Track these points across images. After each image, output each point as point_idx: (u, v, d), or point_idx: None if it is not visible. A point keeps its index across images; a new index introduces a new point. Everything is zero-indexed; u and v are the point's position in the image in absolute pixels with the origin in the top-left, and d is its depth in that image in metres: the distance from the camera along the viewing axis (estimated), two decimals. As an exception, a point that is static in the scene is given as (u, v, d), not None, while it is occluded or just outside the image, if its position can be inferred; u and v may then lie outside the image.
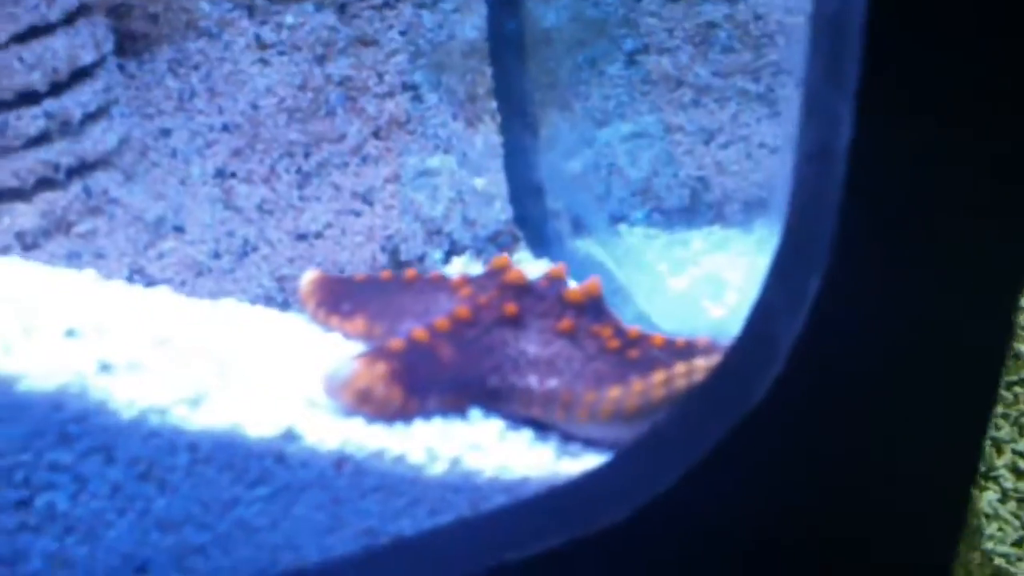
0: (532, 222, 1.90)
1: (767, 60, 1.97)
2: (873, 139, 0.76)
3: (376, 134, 1.77)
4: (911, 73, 0.74)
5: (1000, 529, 1.30)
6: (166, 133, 1.54)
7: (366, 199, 1.76)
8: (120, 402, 0.78)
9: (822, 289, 0.81)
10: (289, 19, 1.67)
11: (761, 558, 0.90)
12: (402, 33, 1.79)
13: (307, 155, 1.69)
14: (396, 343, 0.93)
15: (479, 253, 1.85)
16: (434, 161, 1.85)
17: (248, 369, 0.92)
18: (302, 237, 1.67)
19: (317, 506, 0.86)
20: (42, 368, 0.76)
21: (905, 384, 0.85)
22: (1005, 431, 1.45)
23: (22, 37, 1.34)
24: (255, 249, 1.61)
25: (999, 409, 1.49)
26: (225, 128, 1.61)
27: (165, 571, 0.82)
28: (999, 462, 1.40)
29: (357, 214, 1.75)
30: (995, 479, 1.38)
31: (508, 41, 1.90)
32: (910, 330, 0.83)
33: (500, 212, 1.89)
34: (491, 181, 1.89)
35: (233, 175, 1.61)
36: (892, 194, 0.77)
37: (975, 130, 0.77)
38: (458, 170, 1.87)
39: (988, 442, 1.42)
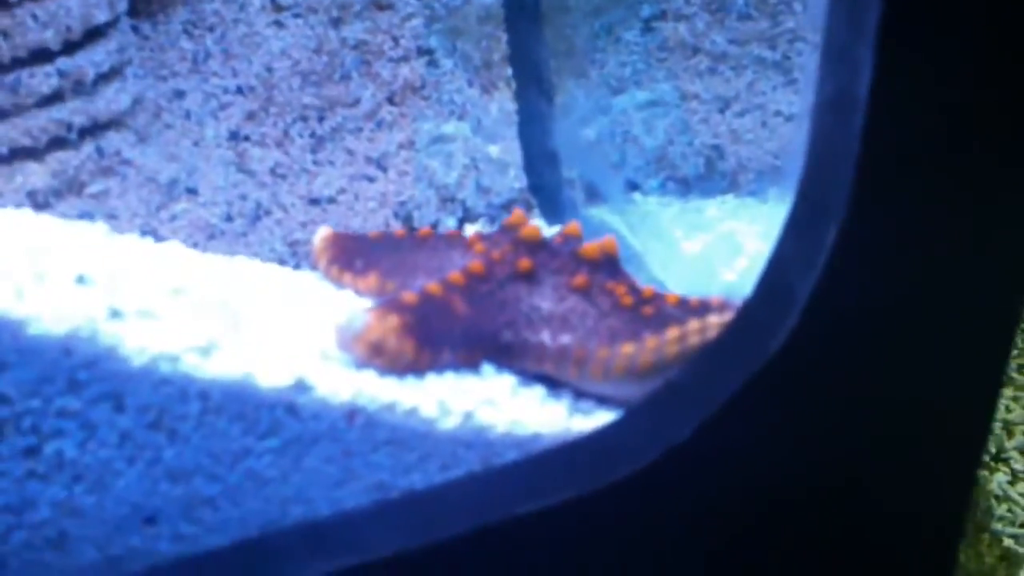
0: (546, 190, 1.89)
1: (784, 28, 1.95)
2: (892, 86, 0.75)
3: (391, 99, 1.76)
4: (932, 19, 0.73)
5: (1010, 510, 1.30)
6: (180, 95, 1.54)
7: (380, 165, 1.75)
8: (130, 349, 0.77)
9: (838, 241, 0.80)
10: (301, -19, 1.66)
11: (775, 508, 0.90)
12: (416, -3, 1.77)
13: (321, 119, 1.68)
14: (409, 296, 0.92)
15: (493, 221, 1.84)
16: (448, 128, 1.83)
17: (260, 321, 0.91)
18: (315, 202, 1.66)
19: (328, 459, 0.86)
20: (53, 313, 0.76)
21: (919, 336, 0.84)
22: (1016, 413, 1.44)
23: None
24: (268, 213, 1.60)
25: (1010, 392, 1.49)
26: (239, 91, 1.60)
27: (174, 522, 0.81)
28: (1009, 444, 1.40)
29: (371, 180, 1.74)
30: (1005, 461, 1.38)
31: (524, 7, 1.88)
32: (926, 282, 0.82)
33: (514, 180, 1.87)
34: (505, 148, 1.88)
35: (247, 138, 1.60)
36: (910, 145, 0.76)
37: (996, 79, 0.76)
38: (472, 137, 1.86)
39: (999, 424, 1.42)
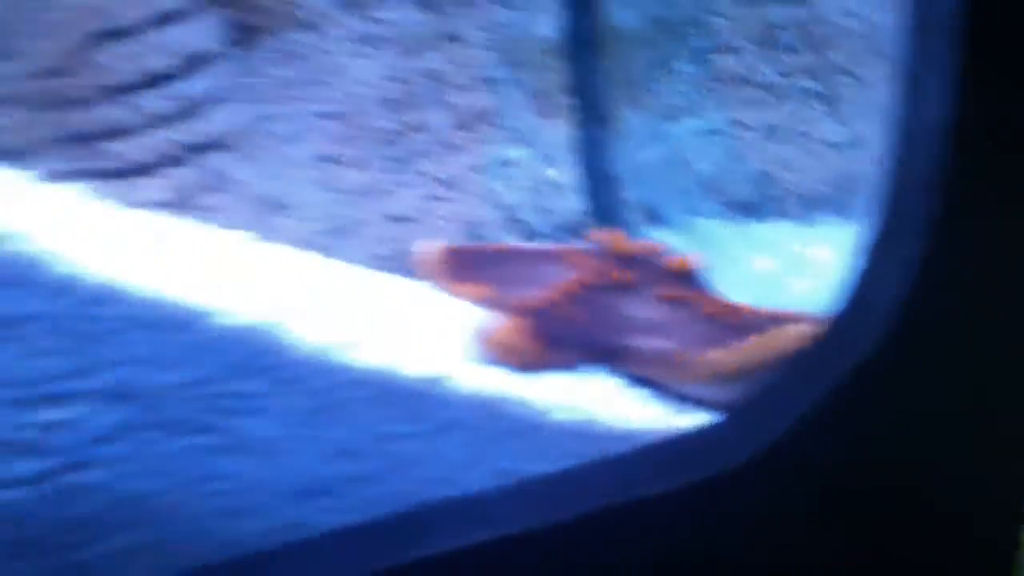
0: (604, 212, 2.00)
1: (828, 61, 2.06)
2: (973, 114, 0.84)
3: (460, 125, 1.87)
4: (1012, 44, 0.82)
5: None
6: (274, 119, 1.65)
7: (450, 186, 1.86)
8: (301, 339, 0.88)
9: (921, 257, 0.89)
10: (383, 14, 1.77)
11: (859, 507, 0.99)
12: (484, 30, 1.89)
13: (399, 143, 1.80)
14: (532, 301, 1.03)
15: (555, 241, 1.94)
16: (512, 152, 1.94)
17: (395, 319, 1.02)
18: (394, 219, 1.77)
19: (462, 444, 0.96)
20: (234, 305, 0.87)
21: (993, 353, 0.93)
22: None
23: (154, 23, 1.45)
24: (353, 229, 1.71)
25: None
26: (326, 116, 1.71)
27: (334, 497, 0.91)
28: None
29: (442, 200, 1.85)
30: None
31: (583, 39, 1.99)
32: (1002, 300, 0.91)
33: (574, 202, 1.98)
34: (565, 172, 1.99)
35: (333, 159, 1.71)
36: (993, 164, 0.85)
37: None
38: (534, 161, 1.97)
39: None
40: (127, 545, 0.86)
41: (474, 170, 1.90)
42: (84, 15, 1.41)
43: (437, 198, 1.86)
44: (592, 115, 2.03)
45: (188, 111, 1.50)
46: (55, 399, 0.81)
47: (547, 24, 1.95)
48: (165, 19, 1.46)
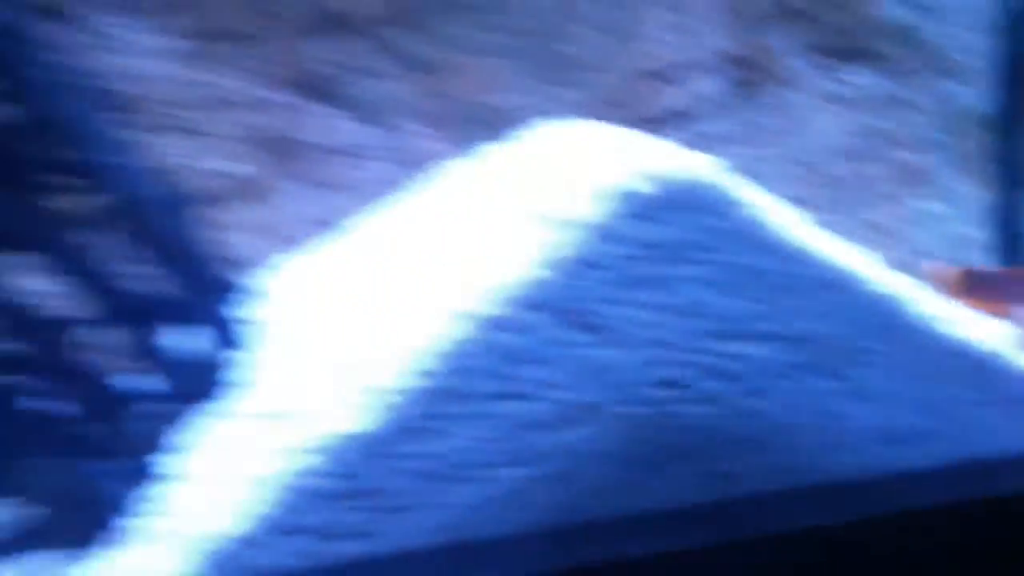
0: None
1: None
2: None
3: (897, 179, 2.10)
4: None
5: None
6: (759, 159, 1.92)
7: (880, 231, 2.09)
8: (916, 311, 1.12)
9: None
10: (849, 77, 2.03)
11: None
12: (930, 97, 2.11)
13: (845, 189, 2.04)
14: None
15: (972, 290, 2.13)
16: (937, 207, 2.15)
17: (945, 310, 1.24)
18: (840, 255, 2.01)
19: (1007, 415, 1.18)
20: (877, 275, 1.12)
21: None
22: None
23: (683, 70, 1.75)
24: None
25: None
26: (797, 161, 1.98)
27: (908, 448, 1.14)
28: None
29: (873, 242, 2.07)
30: None
31: (1015, 114, 2.19)
32: None
33: (988, 258, 2.17)
34: (983, 230, 2.18)
35: (798, 199, 1.97)
36: None
37: None
38: (955, 218, 2.17)
39: None
40: (761, 464, 1.11)
41: (901, 220, 2.12)
42: (637, 57, 1.72)
43: (868, 240, 2.08)
44: (1014, 182, 2.21)
45: (699, 147, 1.78)
46: (746, 336, 1.07)
47: (985, 98, 2.17)
48: (691, 68, 1.76)
